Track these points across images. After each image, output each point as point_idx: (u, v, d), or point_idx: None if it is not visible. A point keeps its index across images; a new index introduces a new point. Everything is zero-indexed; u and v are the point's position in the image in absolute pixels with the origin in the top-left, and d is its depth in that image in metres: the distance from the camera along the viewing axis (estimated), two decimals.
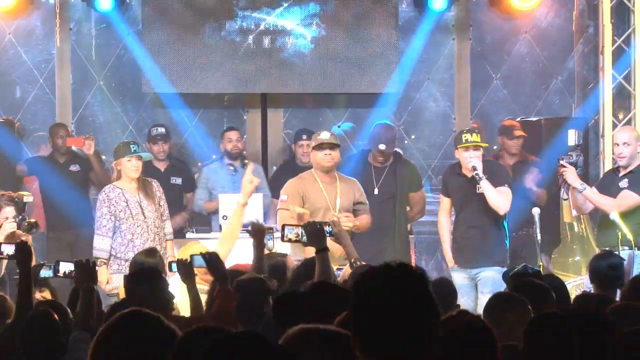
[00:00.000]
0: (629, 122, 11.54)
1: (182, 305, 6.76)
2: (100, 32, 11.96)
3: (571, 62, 12.27)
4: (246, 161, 10.63)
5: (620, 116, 11.75)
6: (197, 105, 11.98)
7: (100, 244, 8.95)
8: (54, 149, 11.01)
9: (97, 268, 8.59)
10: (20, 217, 8.50)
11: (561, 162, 9.07)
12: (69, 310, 5.93)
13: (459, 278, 9.00)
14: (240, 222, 8.28)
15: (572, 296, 6.77)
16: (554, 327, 4.16)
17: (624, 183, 9.08)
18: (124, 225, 8.93)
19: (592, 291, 7.03)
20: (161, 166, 10.84)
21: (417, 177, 9.98)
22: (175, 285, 7.00)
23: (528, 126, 11.47)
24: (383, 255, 8.88)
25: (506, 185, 9.02)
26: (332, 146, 8.68)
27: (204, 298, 6.45)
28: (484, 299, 7.77)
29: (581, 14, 12.11)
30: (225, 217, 9.60)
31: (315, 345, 2.95)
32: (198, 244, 7.98)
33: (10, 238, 7.98)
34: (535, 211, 8.97)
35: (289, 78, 11.45)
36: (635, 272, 8.36)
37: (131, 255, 8.38)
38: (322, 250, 6.44)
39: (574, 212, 9.56)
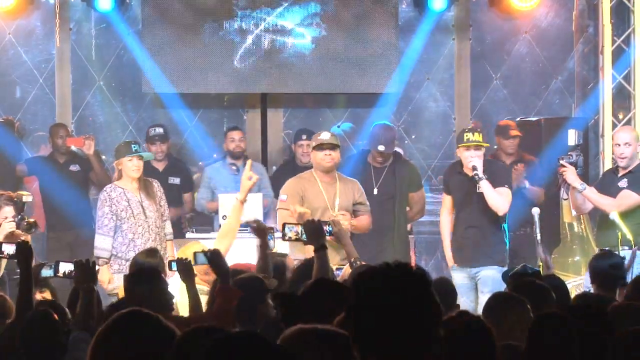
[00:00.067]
0: (628, 122, 11.54)
1: (182, 305, 6.76)
2: (100, 32, 11.96)
3: (571, 62, 12.27)
4: (247, 160, 10.63)
5: (620, 116, 11.75)
6: (197, 105, 11.98)
7: (102, 244, 8.94)
8: (54, 149, 11.01)
9: (98, 268, 8.69)
10: (19, 216, 8.49)
11: (561, 162, 9.07)
12: (67, 310, 5.93)
13: (458, 277, 9.00)
14: (238, 220, 8.28)
15: (572, 296, 6.76)
16: (554, 327, 4.16)
17: (623, 183, 9.08)
18: (125, 225, 8.93)
19: (592, 291, 7.02)
20: (159, 166, 10.84)
21: (417, 177, 9.97)
22: (175, 285, 7.00)
23: (528, 126, 11.47)
24: (383, 255, 8.88)
25: (506, 185, 9.02)
26: (332, 146, 8.67)
27: (203, 299, 6.45)
28: (484, 299, 7.76)
29: (581, 14, 12.12)
30: (225, 217, 9.60)
31: (314, 345, 2.95)
32: (198, 243, 7.98)
33: (9, 238, 7.97)
34: (535, 211, 8.97)
35: (289, 78, 11.45)
36: (635, 272, 8.35)
37: (132, 254, 8.37)
38: (321, 248, 6.45)
39: (574, 212, 9.57)
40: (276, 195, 9.63)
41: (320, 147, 8.70)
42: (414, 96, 12.21)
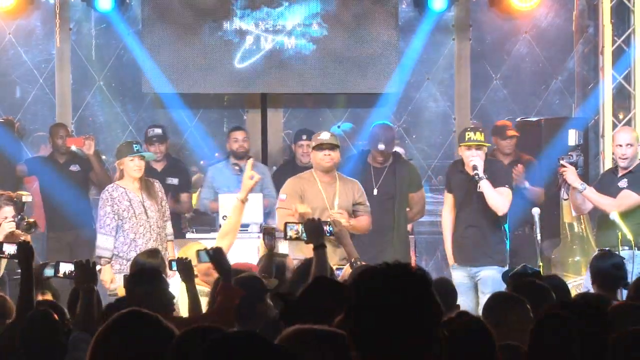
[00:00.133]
0: (629, 122, 11.54)
1: (183, 306, 6.77)
2: (100, 32, 11.97)
3: (571, 62, 12.27)
4: (248, 160, 10.63)
5: (620, 116, 11.75)
6: (197, 105, 11.98)
7: (104, 243, 8.93)
8: (54, 149, 11.01)
9: (101, 267, 8.71)
10: (19, 216, 8.49)
11: (561, 162, 9.07)
12: (66, 310, 5.93)
13: (458, 276, 9.00)
14: (239, 219, 8.29)
15: (572, 296, 6.75)
16: (555, 327, 4.16)
17: (623, 183, 9.08)
18: (127, 225, 8.93)
19: (592, 292, 7.01)
20: (158, 166, 10.83)
21: (417, 177, 9.97)
22: (176, 285, 7.00)
23: (528, 126, 11.47)
24: (383, 255, 8.87)
25: (506, 185, 9.00)
26: (331, 147, 8.67)
27: (204, 300, 6.45)
28: (484, 299, 7.75)
29: (581, 14, 12.11)
30: (225, 217, 9.60)
31: (312, 345, 2.95)
32: (199, 244, 7.98)
33: (9, 238, 7.98)
34: (535, 211, 8.97)
35: (289, 78, 11.45)
36: (635, 272, 8.35)
37: (133, 254, 8.38)
38: (320, 247, 6.48)
39: (574, 213, 9.56)
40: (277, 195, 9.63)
41: (319, 147, 8.70)
42: (414, 96, 12.21)
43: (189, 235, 10.15)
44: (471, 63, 12.09)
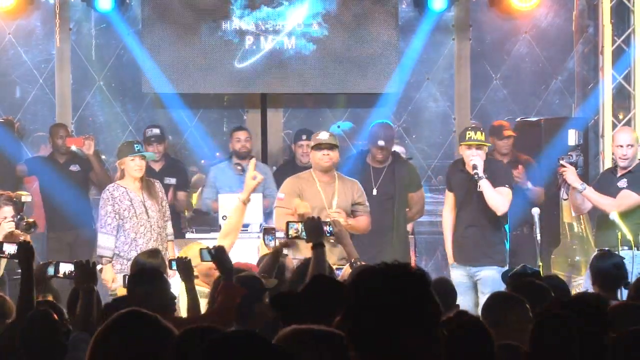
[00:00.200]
0: (628, 122, 11.54)
1: (184, 306, 6.77)
2: (100, 32, 11.97)
3: (571, 62, 12.28)
4: (251, 160, 10.64)
5: (620, 116, 11.75)
6: (197, 105, 11.98)
7: (105, 242, 8.94)
8: (54, 149, 11.01)
9: (102, 266, 8.72)
10: (18, 216, 8.50)
11: (561, 162, 9.07)
12: (65, 310, 5.93)
13: (457, 276, 8.99)
14: (241, 219, 8.31)
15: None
16: (554, 327, 4.16)
17: (623, 183, 9.08)
18: (128, 224, 8.93)
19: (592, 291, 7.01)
20: (156, 166, 10.83)
21: (416, 177, 9.97)
22: (177, 285, 7.00)
23: (528, 126, 11.47)
24: (382, 255, 8.85)
25: (506, 185, 8.99)
26: (330, 146, 8.66)
27: (204, 301, 6.45)
28: (484, 299, 7.76)
29: (581, 14, 12.12)
30: (224, 217, 9.60)
31: (310, 345, 2.94)
32: (199, 244, 7.99)
33: (8, 238, 7.98)
34: (535, 211, 8.96)
35: (289, 78, 11.45)
36: (635, 272, 8.35)
37: (134, 254, 8.38)
38: (319, 245, 6.49)
39: (573, 213, 9.56)
40: None
41: (318, 146, 8.70)
42: (414, 96, 12.21)
43: (188, 235, 10.15)
44: (471, 63, 12.09)
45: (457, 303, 6.65)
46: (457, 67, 12.09)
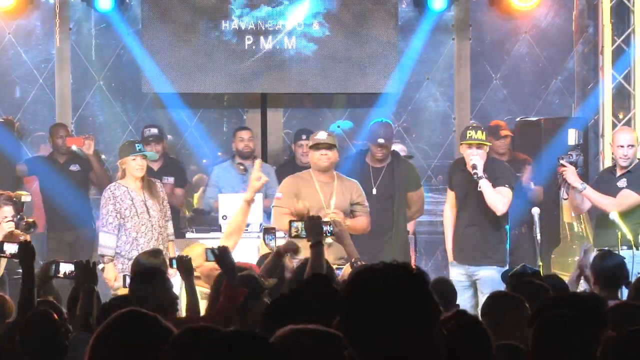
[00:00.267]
0: (628, 122, 11.55)
1: (185, 306, 6.78)
2: (100, 32, 11.97)
3: (571, 62, 12.28)
4: (255, 160, 10.64)
5: (620, 116, 11.76)
6: (197, 105, 11.98)
7: (106, 242, 8.95)
8: (54, 149, 11.01)
9: (103, 265, 8.72)
10: (18, 216, 8.50)
11: (561, 161, 9.06)
12: (64, 310, 5.93)
13: (455, 274, 8.99)
14: (245, 220, 8.31)
15: None
16: (556, 327, 4.16)
17: (622, 182, 9.08)
18: (129, 223, 8.95)
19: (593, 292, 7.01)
20: (155, 166, 10.82)
21: (415, 176, 9.96)
22: (179, 285, 7.00)
23: (528, 126, 11.48)
24: (382, 255, 8.85)
25: (507, 185, 8.98)
26: (328, 146, 8.65)
27: (204, 303, 6.45)
28: (483, 299, 7.76)
29: (581, 14, 12.12)
30: (224, 217, 9.60)
31: (307, 345, 2.94)
32: (201, 244, 7.99)
33: (8, 238, 7.98)
34: (535, 211, 8.96)
35: (289, 78, 11.45)
36: (635, 272, 8.35)
37: (135, 253, 8.41)
38: (317, 244, 6.50)
39: (572, 212, 9.56)
40: None
41: (316, 146, 8.69)
42: (414, 96, 12.21)
43: (188, 235, 10.15)
44: (471, 63, 12.09)
45: (457, 303, 6.66)
46: (457, 67, 12.09)
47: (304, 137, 10.85)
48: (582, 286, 8.19)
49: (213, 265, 6.42)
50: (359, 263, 7.10)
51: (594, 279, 7.05)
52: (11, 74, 11.93)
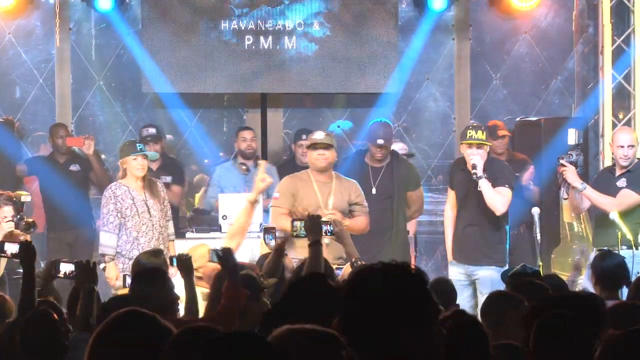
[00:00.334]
0: (628, 122, 11.55)
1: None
2: (100, 32, 11.97)
3: (571, 62, 12.28)
4: (259, 161, 10.65)
5: (620, 116, 11.76)
6: (197, 105, 11.98)
7: (108, 241, 8.98)
8: (54, 149, 11.01)
9: (105, 265, 8.73)
10: (18, 216, 8.51)
11: (561, 161, 9.06)
12: (64, 310, 5.93)
13: (454, 273, 8.99)
14: (249, 220, 8.32)
15: None
16: (556, 327, 4.16)
17: (622, 182, 9.08)
18: (130, 223, 8.96)
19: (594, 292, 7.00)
20: (153, 166, 10.80)
21: (415, 176, 9.95)
22: (180, 285, 6.99)
23: (528, 126, 11.48)
24: (381, 255, 8.86)
25: (506, 185, 8.97)
26: (325, 146, 8.64)
27: (205, 305, 6.45)
28: (482, 299, 7.77)
29: (581, 14, 12.12)
30: (224, 217, 9.60)
31: (304, 345, 2.94)
32: (206, 245, 7.99)
33: (8, 238, 7.98)
34: (535, 211, 8.96)
35: (289, 78, 11.45)
36: (635, 272, 8.35)
37: (136, 253, 8.43)
38: (316, 243, 6.51)
39: (572, 212, 9.56)
40: None
41: (314, 146, 8.69)
42: (414, 96, 12.21)
43: (188, 234, 10.15)
44: (471, 63, 12.09)
45: (457, 303, 6.66)
46: (457, 67, 12.09)
47: (304, 137, 10.85)
48: (582, 286, 8.19)
49: (216, 266, 6.42)
50: (359, 263, 7.11)
51: (595, 279, 7.05)
52: (11, 74, 11.93)
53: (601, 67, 11.70)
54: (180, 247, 8.82)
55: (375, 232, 9.08)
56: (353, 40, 11.42)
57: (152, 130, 10.99)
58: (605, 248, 8.56)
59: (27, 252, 6.13)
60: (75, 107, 11.90)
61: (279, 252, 7.12)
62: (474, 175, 8.86)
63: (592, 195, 9.05)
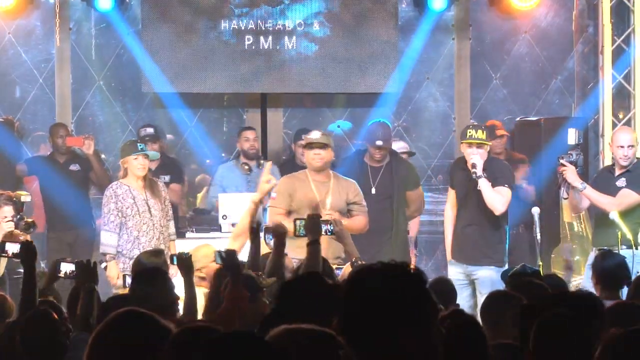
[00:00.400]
0: (628, 122, 11.55)
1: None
2: (100, 31, 11.97)
3: (571, 62, 12.28)
4: (262, 161, 10.65)
5: (620, 116, 11.76)
6: (197, 105, 11.98)
7: (108, 240, 8.99)
8: (54, 148, 11.01)
9: (106, 264, 8.74)
10: (18, 216, 8.51)
11: (561, 161, 9.07)
12: (64, 310, 5.93)
13: (453, 273, 8.98)
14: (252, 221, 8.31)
15: None
16: (557, 327, 4.16)
17: (621, 182, 9.08)
18: (131, 222, 8.98)
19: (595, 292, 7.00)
20: (152, 165, 10.80)
21: (414, 175, 9.95)
22: (181, 285, 6.99)
23: (528, 126, 11.48)
24: (381, 255, 8.85)
25: (506, 185, 8.97)
26: (321, 145, 8.63)
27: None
28: (482, 300, 7.77)
29: (581, 14, 12.12)
30: (224, 217, 9.60)
31: (301, 345, 2.94)
32: (210, 245, 7.99)
33: (7, 237, 7.98)
34: (535, 211, 8.96)
35: (289, 78, 11.45)
36: (635, 272, 8.35)
37: (137, 252, 8.44)
38: (314, 242, 6.51)
39: (572, 212, 9.55)
40: None
41: (309, 146, 8.69)
42: (414, 96, 12.21)
43: (188, 234, 10.15)
44: (471, 63, 12.09)
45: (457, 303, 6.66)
46: (457, 66, 12.09)
47: (304, 137, 10.84)
48: (581, 286, 8.19)
49: (219, 267, 6.42)
50: (359, 262, 7.11)
51: (596, 279, 7.05)
52: (11, 73, 11.93)
53: (601, 66, 11.71)
54: (181, 247, 8.81)
55: (374, 232, 9.08)
56: (353, 40, 11.42)
57: (150, 130, 10.99)
58: (605, 248, 8.56)
59: (28, 252, 6.13)
60: (75, 107, 11.90)
61: (279, 250, 7.09)
62: (474, 175, 8.87)
63: (592, 195, 9.05)
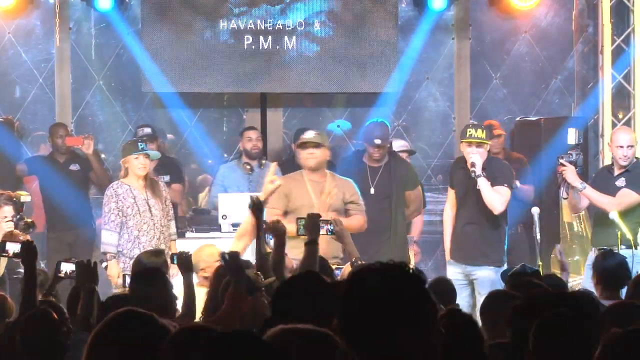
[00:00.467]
0: (628, 122, 11.56)
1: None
2: (99, 31, 11.97)
3: (571, 62, 12.28)
4: (264, 161, 10.65)
5: (620, 116, 11.76)
6: (197, 105, 11.98)
7: (109, 239, 9.01)
8: (54, 148, 11.01)
9: (107, 263, 8.75)
10: (18, 216, 8.52)
11: (561, 160, 9.07)
12: (65, 310, 5.93)
13: (452, 272, 8.98)
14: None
15: None
16: (557, 327, 4.16)
17: (621, 182, 9.08)
18: (131, 222, 8.99)
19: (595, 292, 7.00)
20: (151, 165, 10.82)
21: (413, 175, 9.95)
22: (180, 285, 7.00)
23: (527, 126, 11.48)
24: (380, 255, 8.84)
25: (505, 185, 8.98)
26: (315, 145, 8.63)
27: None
28: (481, 300, 7.77)
29: (581, 14, 12.12)
30: (224, 217, 9.60)
31: (298, 345, 2.94)
32: (213, 245, 7.99)
33: (7, 237, 7.98)
34: (535, 211, 8.96)
35: (289, 78, 11.45)
36: (635, 272, 8.35)
37: (137, 252, 8.45)
38: (312, 242, 6.51)
39: (571, 212, 9.56)
40: None
41: (303, 145, 8.69)
42: (414, 96, 12.21)
43: (188, 234, 10.15)
44: (471, 63, 12.09)
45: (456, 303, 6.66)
46: (456, 66, 12.09)
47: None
48: (581, 286, 8.19)
49: (219, 266, 6.42)
50: (359, 262, 7.10)
51: (596, 279, 7.05)
52: (11, 73, 11.94)
53: (601, 66, 11.71)
54: (181, 247, 8.81)
55: (373, 232, 9.08)
56: (353, 40, 11.42)
57: (148, 130, 10.99)
58: (604, 247, 8.56)
59: (28, 252, 6.14)
60: (75, 106, 11.90)
61: (280, 249, 7.08)
62: (473, 174, 8.87)
63: (591, 195, 9.05)
